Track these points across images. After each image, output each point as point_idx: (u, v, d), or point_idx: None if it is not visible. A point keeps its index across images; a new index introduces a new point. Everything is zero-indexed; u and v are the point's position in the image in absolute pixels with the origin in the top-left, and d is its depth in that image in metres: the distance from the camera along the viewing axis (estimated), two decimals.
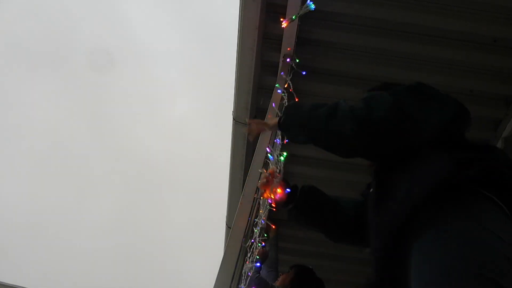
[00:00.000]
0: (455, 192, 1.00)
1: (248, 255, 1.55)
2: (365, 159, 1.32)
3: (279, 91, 2.54)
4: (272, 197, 1.49)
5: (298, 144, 1.49)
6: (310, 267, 2.76)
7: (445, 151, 1.10)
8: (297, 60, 2.86)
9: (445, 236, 0.97)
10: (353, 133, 1.17)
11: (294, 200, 1.47)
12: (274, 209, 1.59)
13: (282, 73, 2.75)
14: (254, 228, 1.90)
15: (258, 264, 2.60)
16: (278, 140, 2.14)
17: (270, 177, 1.49)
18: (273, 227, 2.89)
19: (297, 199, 1.46)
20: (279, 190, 1.48)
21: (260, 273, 2.78)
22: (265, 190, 1.51)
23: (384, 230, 1.07)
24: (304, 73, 2.86)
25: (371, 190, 1.26)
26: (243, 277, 1.91)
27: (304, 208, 1.47)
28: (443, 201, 1.00)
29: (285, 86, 2.66)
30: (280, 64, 2.93)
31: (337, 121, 1.20)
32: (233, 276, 1.32)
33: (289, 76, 2.73)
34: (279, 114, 2.28)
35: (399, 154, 1.18)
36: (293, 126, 1.39)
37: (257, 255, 2.52)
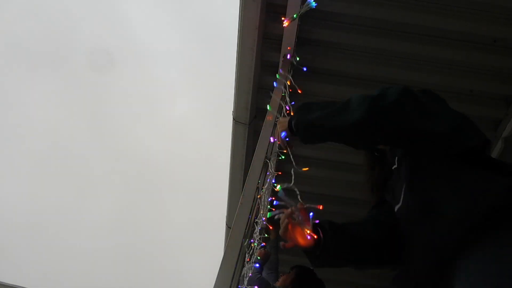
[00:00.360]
0: (508, 215, 1.00)
1: (247, 255, 1.54)
2: (386, 143, 1.29)
3: (275, 85, 2.53)
4: (301, 242, 1.24)
5: (311, 145, 1.42)
6: (311, 267, 2.76)
7: (493, 172, 1.10)
8: (297, 58, 2.85)
9: (496, 257, 0.97)
10: (367, 115, 1.16)
11: (321, 244, 1.25)
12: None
13: (281, 70, 2.73)
14: (256, 227, 1.90)
15: (258, 265, 2.60)
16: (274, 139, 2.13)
17: (292, 217, 1.25)
18: (271, 228, 2.88)
19: (324, 242, 1.24)
20: (307, 231, 1.24)
21: (261, 274, 2.77)
22: (292, 237, 1.25)
23: (437, 249, 1.05)
24: (305, 69, 2.84)
25: (399, 205, 1.22)
26: (245, 277, 1.92)
27: (334, 249, 1.26)
28: (495, 223, 1.00)
29: (287, 83, 2.65)
30: (280, 64, 2.93)
31: (351, 109, 1.20)
32: (233, 276, 1.32)
33: (290, 73, 2.72)
34: (278, 116, 2.27)
35: (429, 158, 1.16)
36: (306, 125, 1.33)
37: (258, 256, 2.52)
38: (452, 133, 1.17)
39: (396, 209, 1.25)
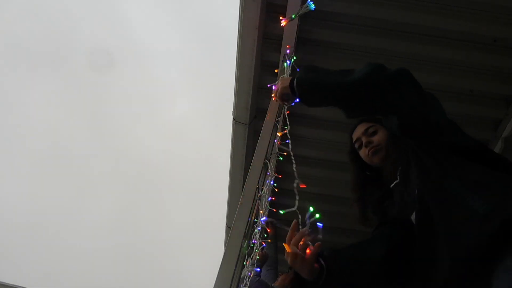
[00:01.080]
0: None
1: (247, 256, 1.53)
2: (381, 111, 1.28)
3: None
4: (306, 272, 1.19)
5: (308, 106, 1.40)
6: None
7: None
8: (294, 57, 2.84)
9: None
10: (369, 76, 1.18)
11: (324, 272, 1.19)
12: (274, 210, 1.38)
13: (287, 57, 2.70)
14: (255, 227, 1.90)
15: (258, 269, 2.60)
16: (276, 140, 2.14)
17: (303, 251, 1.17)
18: (269, 231, 2.88)
19: (327, 271, 1.19)
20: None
21: (260, 276, 2.77)
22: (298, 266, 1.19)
23: (468, 245, 1.01)
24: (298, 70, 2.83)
25: (417, 210, 1.18)
26: (246, 278, 1.92)
27: (337, 277, 1.19)
28: None
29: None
30: (280, 64, 2.93)
31: (355, 72, 1.22)
32: (233, 276, 1.32)
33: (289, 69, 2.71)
34: (278, 118, 2.26)
35: (437, 160, 1.15)
36: (309, 81, 1.33)
37: (257, 256, 2.52)
38: (445, 125, 1.21)
39: (414, 216, 1.21)
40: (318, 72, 1.33)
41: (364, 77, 1.19)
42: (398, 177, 1.29)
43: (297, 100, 1.41)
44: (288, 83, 1.40)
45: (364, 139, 1.41)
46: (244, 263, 1.48)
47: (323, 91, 1.30)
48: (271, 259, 3.21)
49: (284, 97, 1.46)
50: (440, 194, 1.11)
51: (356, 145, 1.46)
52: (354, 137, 1.47)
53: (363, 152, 1.42)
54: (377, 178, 1.41)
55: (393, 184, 1.31)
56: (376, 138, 1.39)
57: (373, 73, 1.20)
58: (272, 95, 1.53)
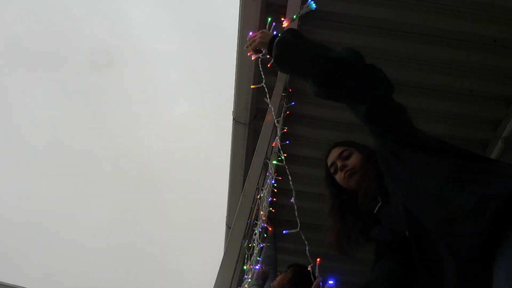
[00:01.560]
0: None
1: (246, 256, 1.54)
2: (354, 96, 1.26)
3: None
4: None
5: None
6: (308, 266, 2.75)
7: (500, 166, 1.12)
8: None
9: None
10: (352, 58, 1.20)
11: None
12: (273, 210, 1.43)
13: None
14: (254, 229, 1.90)
15: (257, 267, 2.60)
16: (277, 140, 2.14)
17: None
18: (270, 229, 2.87)
19: None
20: None
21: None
22: None
23: (469, 247, 0.98)
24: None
25: (409, 223, 1.14)
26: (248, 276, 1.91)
27: None
28: None
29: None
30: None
31: (338, 51, 1.23)
32: (233, 276, 1.32)
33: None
34: (275, 117, 2.26)
35: (418, 167, 1.13)
36: (290, 44, 1.31)
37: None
38: (412, 125, 1.24)
39: (409, 232, 1.17)
40: (302, 38, 1.32)
41: (348, 59, 1.20)
42: (380, 199, 1.27)
43: (267, 56, 1.41)
44: (268, 40, 1.38)
45: (339, 163, 1.42)
46: (245, 267, 1.48)
47: (304, 58, 1.26)
48: (270, 256, 3.21)
49: (257, 49, 1.47)
50: (422, 200, 1.09)
51: (332, 170, 1.46)
52: (329, 161, 1.47)
53: (339, 176, 1.43)
54: (353, 202, 1.39)
55: (376, 209, 1.29)
56: (350, 162, 1.39)
57: (356, 58, 1.21)
58: (248, 43, 1.51)
